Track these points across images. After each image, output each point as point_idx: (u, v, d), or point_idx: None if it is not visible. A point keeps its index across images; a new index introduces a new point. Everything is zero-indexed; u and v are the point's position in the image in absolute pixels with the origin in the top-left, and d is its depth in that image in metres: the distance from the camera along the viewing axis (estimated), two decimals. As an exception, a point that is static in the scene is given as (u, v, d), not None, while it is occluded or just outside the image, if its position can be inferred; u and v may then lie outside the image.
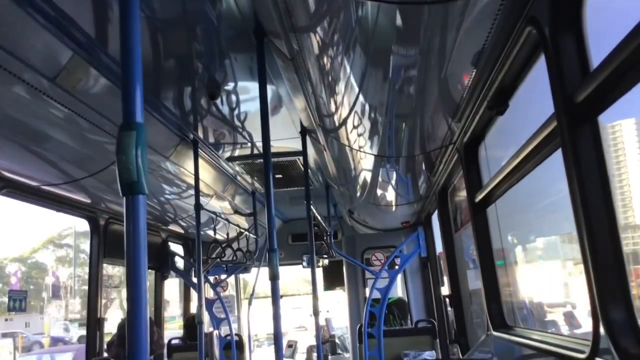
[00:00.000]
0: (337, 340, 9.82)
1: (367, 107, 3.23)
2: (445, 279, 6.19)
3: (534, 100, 2.81)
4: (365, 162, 4.45)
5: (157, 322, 6.98)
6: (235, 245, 7.02)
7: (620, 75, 1.58)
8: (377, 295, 6.20)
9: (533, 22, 2.05)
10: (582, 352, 1.96)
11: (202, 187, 5.11)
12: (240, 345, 6.71)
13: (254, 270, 7.90)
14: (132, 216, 1.39)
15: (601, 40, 1.88)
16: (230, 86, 3.74)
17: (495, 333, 3.45)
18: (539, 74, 2.35)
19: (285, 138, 4.88)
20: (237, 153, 5.38)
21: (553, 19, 1.89)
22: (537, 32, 2.03)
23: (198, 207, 4.93)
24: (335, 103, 3.31)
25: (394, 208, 6.63)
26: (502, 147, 3.57)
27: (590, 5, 1.84)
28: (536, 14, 2.02)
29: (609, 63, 1.60)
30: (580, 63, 1.84)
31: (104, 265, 5.50)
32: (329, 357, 9.17)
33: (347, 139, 3.94)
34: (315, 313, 4.88)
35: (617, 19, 2.02)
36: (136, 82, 1.48)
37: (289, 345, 11.93)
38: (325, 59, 2.74)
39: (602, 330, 1.75)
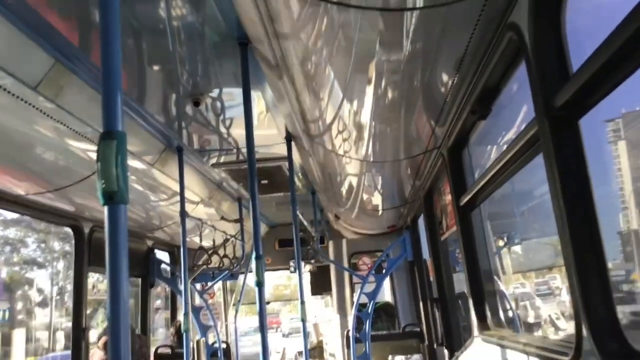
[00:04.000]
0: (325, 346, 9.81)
1: (351, 113, 3.25)
2: (432, 282, 6.20)
3: (517, 105, 2.84)
4: (350, 167, 4.46)
5: (143, 330, 6.92)
6: (221, 252, 6.99)
7: (599, 79, 1.60)
8: (364, 299, 6.21)
9: (513, 27, 2.07)
10: (565, 354, 1.97)
11: (187, 194, 5.09)
12: (227, 353, 6.67)
13: (241, 277, 7.87)
14: (113, 225, 1.38)
15: (581, 45, 1.90)
16: (214, 92, 3.74)
17: (481, 336, 3.46)
18: (521, 79, 2.37)
19: (270, 144, 4.88)
20: (222, 159, 5.36)
21: (533, 24, 1.91)
22: (517, 37, 2.05)
23: (183, 214, 4.90)
24: (320, 109, 3.31)
25: (380, 212, 6.64)
26: (486, 151, 3.60)
27: (570, 10, 1.86)
28: (516, 19, 2.04)
29: (588, 67, 1.62)
30: (560, 68, 1.86)
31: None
32: None
33: (332, 144, 3.95)
34: (303, 319, 4.87)
35: (596, 24, 2.05)
36: (117, 90, 1.47)
37: (277, 352, 11.88)
38: (309, 65, 2.75)
39: (584, 332, 1.76)
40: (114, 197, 1.37)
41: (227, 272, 7.06)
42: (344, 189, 5.42)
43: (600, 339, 1.71)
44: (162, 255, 7.55)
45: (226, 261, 7.09)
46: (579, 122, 1.83)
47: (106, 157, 1.38)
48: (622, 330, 1.70)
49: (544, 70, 1.90)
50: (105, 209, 1.40)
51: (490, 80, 2.56)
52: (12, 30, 2.53)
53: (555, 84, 1.84)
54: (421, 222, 6.19)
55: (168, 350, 6.67)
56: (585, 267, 1.77)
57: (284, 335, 27.73)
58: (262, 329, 3.08)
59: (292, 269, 9.10)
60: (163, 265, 7.08)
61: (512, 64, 2.38)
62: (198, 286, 7.11)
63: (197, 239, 6.65)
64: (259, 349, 3.12)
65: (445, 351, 5.27)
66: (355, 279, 8.61)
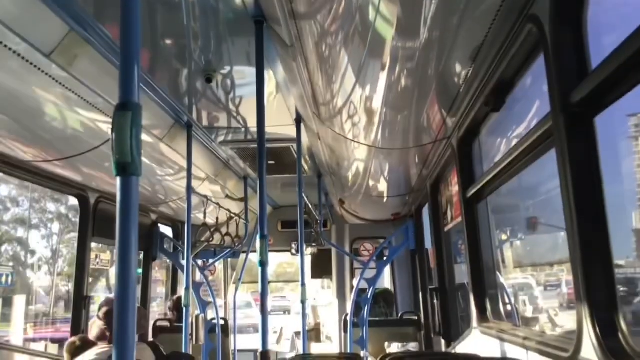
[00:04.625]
0: (322, 329, 9.88)
1: (363, 98, 3.23)
2: (433, 271, 6.22)
3: (531, 98, 2.82)
4: (358, 152, 4.45)
5: (144, 302, 6.98)
6: (224, 230, 7.01)
7: (618, 78, 1.59)
8: (364, 285, 6.22)
9: (534, 20, 2.05)
10: (566, 350, 1.98)
11: (194, 170, 5.09)
12: (225, 329, 6.73)
13: (242, 255, 7.90)
14: (124, 197, 1.38)
15: (602, 41, 1.88)
16: (226, 70, 3.72)
17: (480, 327, 3.47)
18: (537, 72, 2.35)
19: (279, 125, 4.86)
20: (230, 137, 5.35)
21: (554, 18, 1.89)
22: (537, 30, 2.02)
23: (189, 190, 4.91)
24: (332, 92, 3.30)
25: (385, 199, 6.64)
26: (497, 144, 3.58)
27: (592, 5, 1.84)
28: (537, 12, 2.02)
29: (607, 65, 1.60)
30: (579, 64, 1.84)
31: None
32: (312, 344, 9.21)
33: (342, 128, 3.93)
34: (302, 301, 4.90)
35: (618, 21, 2.03)
36: (134, 62, 1.46)
37: (275, 332, 11.97)
38: (323, 47, 2.73)
39: (586, 327, 1.77)
40: (127, 169, 1.37)
41: (229, 249, 7.09)
42: (350, 174, 5.41)
43: (601, 336, 1.71)
44: (166, 230, 7.59)
45: (228, 239, 7.12)
46: (594, 120, 1.82)
47: (121, 128, 1.37)
48: (624, 327, 1.70)
49: (563, 65, 1.88)
50: (118, 180, 1.39)
51: (507, 73, 2.54)
52: (29, -4, 2.52)
53: (573, 80, 1.83)
54: (425, 211, 6.18)
55: (167, 324, 6.73)
56: (591, 264, 1.77)
57: None
58: (264, 309, 3.09)
59: (293, 251, 9.12)
60: (166, 240, 7.11)
61: (529, 56, 2.36)
62: (199, 262, 7.14)
63: (200, 216, 6.67)
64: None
65: (442, 341, 5.29)
66: (356, 265, 8.64)
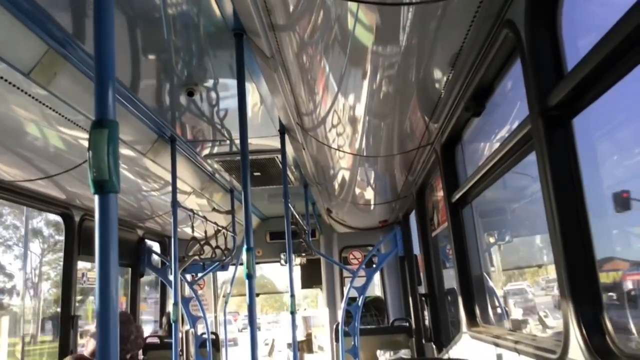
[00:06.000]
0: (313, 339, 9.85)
1: (345, 106, 3.24)
2: (422, 278, 6.22)
3: (511, 103, 2.85)
4: (343, 161, 4.46)
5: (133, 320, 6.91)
6: (213, 243, 6.98)
7: (594, 79, 1.60)
8: (354, 293, 6.22)
9: (509, 25, 2.07)
10: (553, 352, 1.98)
11: (179, 184, 5.07)
12: (216, 343, 6.68)
13: (231, 268, 7.86)
14: (103, 215, 1.37)
15: (577, 44, 1.90)
16: (208, 83, 3.72)
17: (470, 332, 3.48)
18: (515, 77, 2.38)
19: (263, 136, 4.86)
20: (215, 150, 5.34)
21: (529, 22, 1.91)
22: (513, 35, 2.05)
23: (175, 204, 4.89)
24: (314, 102, 3.31)
25: (372, 207, 6.65)
26: (480, 148, 3.61)
27: (566, 9, 1.86)
28: (513, 17, 2.04)
29: (583, 67, 1.62)
30: (555, 66, 1.86)
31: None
32: (305, 355, 9.17)
33: (326, 137, 3.94)
34: (292, 311, 4.88)
35: (592, 23, 2.05)
36: (109, 78, 1.46)
37: (266, 344, 11.92)
38: (304, 58, 2.74)
39: (572, 329, 1.78)
40: (104, 186, 1.36)
41: (217, 263, 7.05)
42: (336, 183, 5.42)
43: (587, 337, 1.72)
44: (153, 245, 7.54)
45: (218, 252, 7.09)
46: (572, 121, 1.84)
47: (97, 145, 1.36)
48: (609, 328, 1.71)
49: (539, 68, 1.90)
50: (96, 198, 1.39)
51: (485, 78, 2.56)
52: (6, 16, 2.50)
53: (550, 83, 1.85)
54: (413, 217, 6.20)
55: (156, 340, 6.67)
56: (575, 265, 1.78)
57: (239, 330, 28.78)
58: (252, 321, 3.07)
59: (282, 261, 9.10)
60: (153, 255, 7.06)
61: (507, 61, 2.39)
62: (188, 277, 7.09)
63: (188, 230, 6.63)
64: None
65: (434, 346, 5.29)
66: (345, 273, 8.63)
